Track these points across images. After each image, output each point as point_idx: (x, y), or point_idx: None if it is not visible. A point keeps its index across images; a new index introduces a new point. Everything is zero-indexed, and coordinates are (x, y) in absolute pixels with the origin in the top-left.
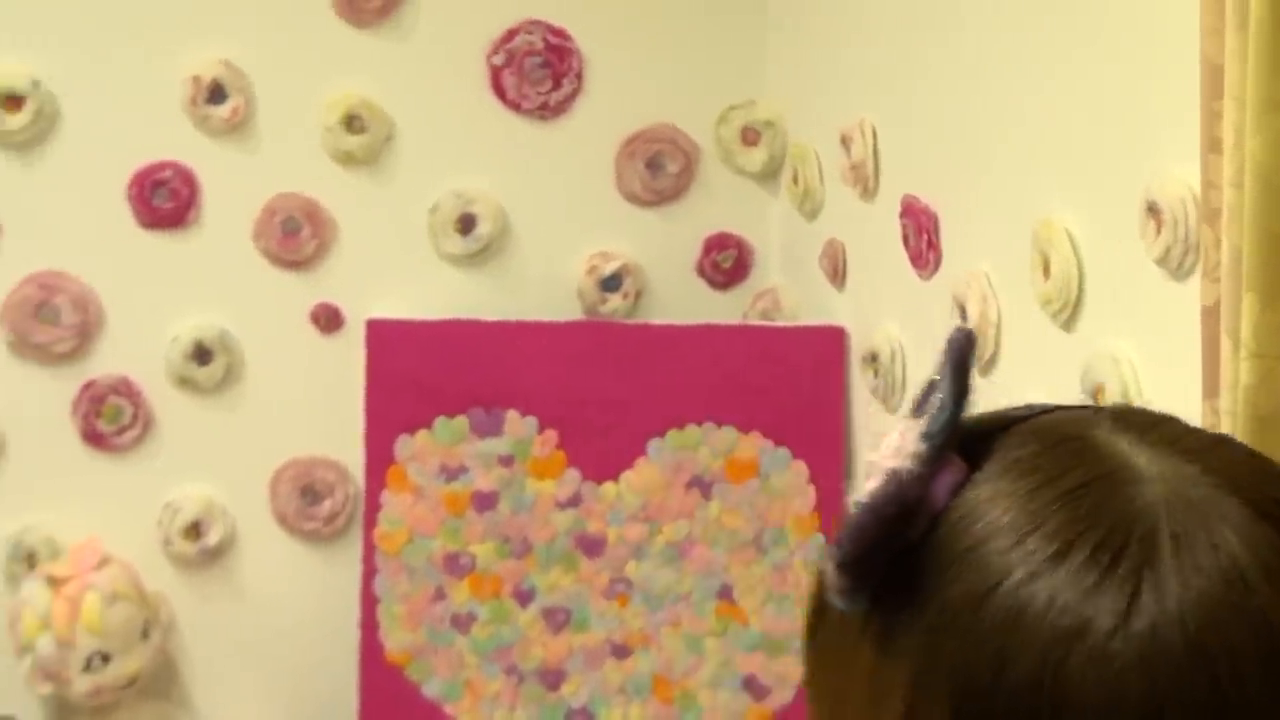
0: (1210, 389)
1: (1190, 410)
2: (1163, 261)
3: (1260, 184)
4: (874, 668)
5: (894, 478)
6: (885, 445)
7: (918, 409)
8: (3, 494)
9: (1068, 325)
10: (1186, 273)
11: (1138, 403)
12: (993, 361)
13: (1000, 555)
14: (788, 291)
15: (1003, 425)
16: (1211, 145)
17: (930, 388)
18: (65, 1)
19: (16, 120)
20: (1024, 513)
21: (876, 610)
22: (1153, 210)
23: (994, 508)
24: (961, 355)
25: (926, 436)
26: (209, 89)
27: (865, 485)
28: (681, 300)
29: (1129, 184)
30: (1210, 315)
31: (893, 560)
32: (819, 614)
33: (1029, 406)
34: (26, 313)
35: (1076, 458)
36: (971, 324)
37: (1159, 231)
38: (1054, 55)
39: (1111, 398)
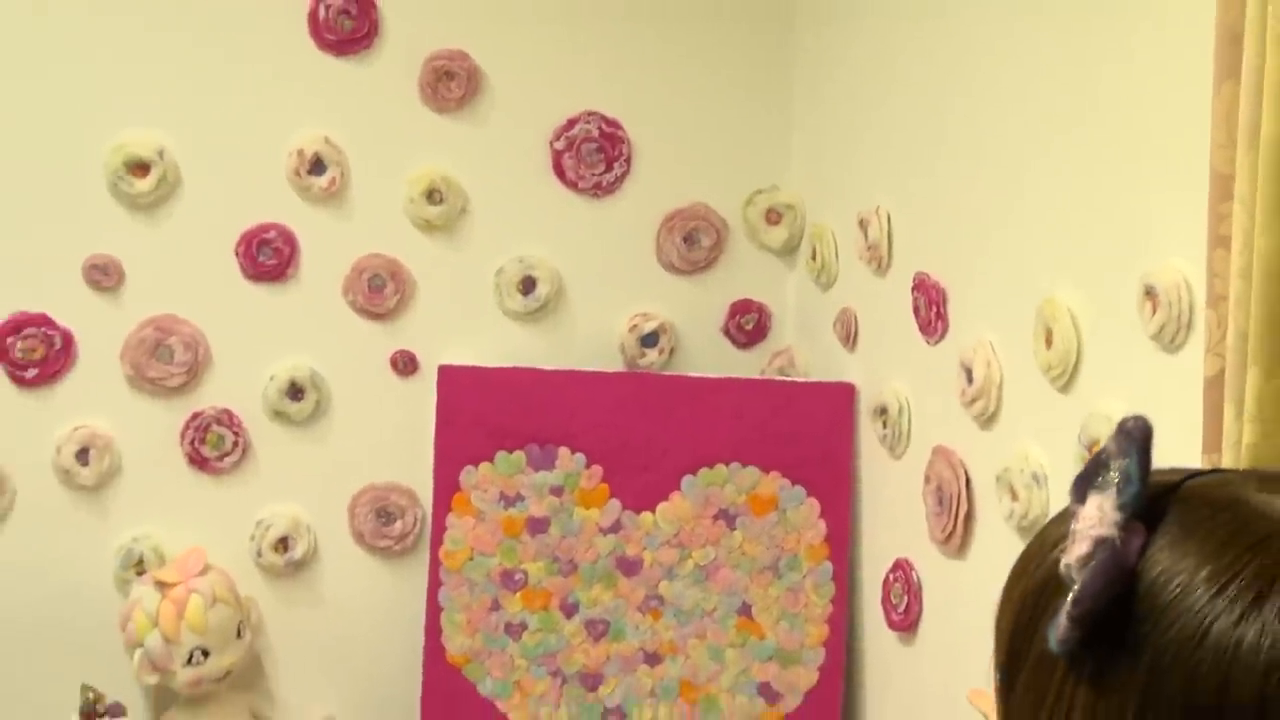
0: (1211, 445)
1: (1187, 463)
2: (1157, 336)
3: (1267, 276)
4: (1090, 704)
5: (1109, 544)
6: (1085, 517)
7: (1092, 479)
8: (117, 509)
9: (1066, 389)
10: (1179, 347)
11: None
12: (994, 418)
13: (1208, 602)
14: (801, 351)
15: (1162, 491)
16: (1217, 242)
17: (1101, 462)
18: (188, 81)
19: (143, 184)
20: (1218, 566)
21: (1089, 655)
22: (1150, 293)
23: (1186, 563)
24: (1145, 439)
25: (1121, 508)
26: (311, 161)
27: (1074, 550)
28: (709, 356)
29: (1128, 270)
30: (1213, 385)
31: (1105, 612)
32: (1015, 663)
33: (1172, 470)
34: (144, 351)
35: (1247, 518)
36: (976, 385)
37: (1155, 311)
38: (1062, 154)
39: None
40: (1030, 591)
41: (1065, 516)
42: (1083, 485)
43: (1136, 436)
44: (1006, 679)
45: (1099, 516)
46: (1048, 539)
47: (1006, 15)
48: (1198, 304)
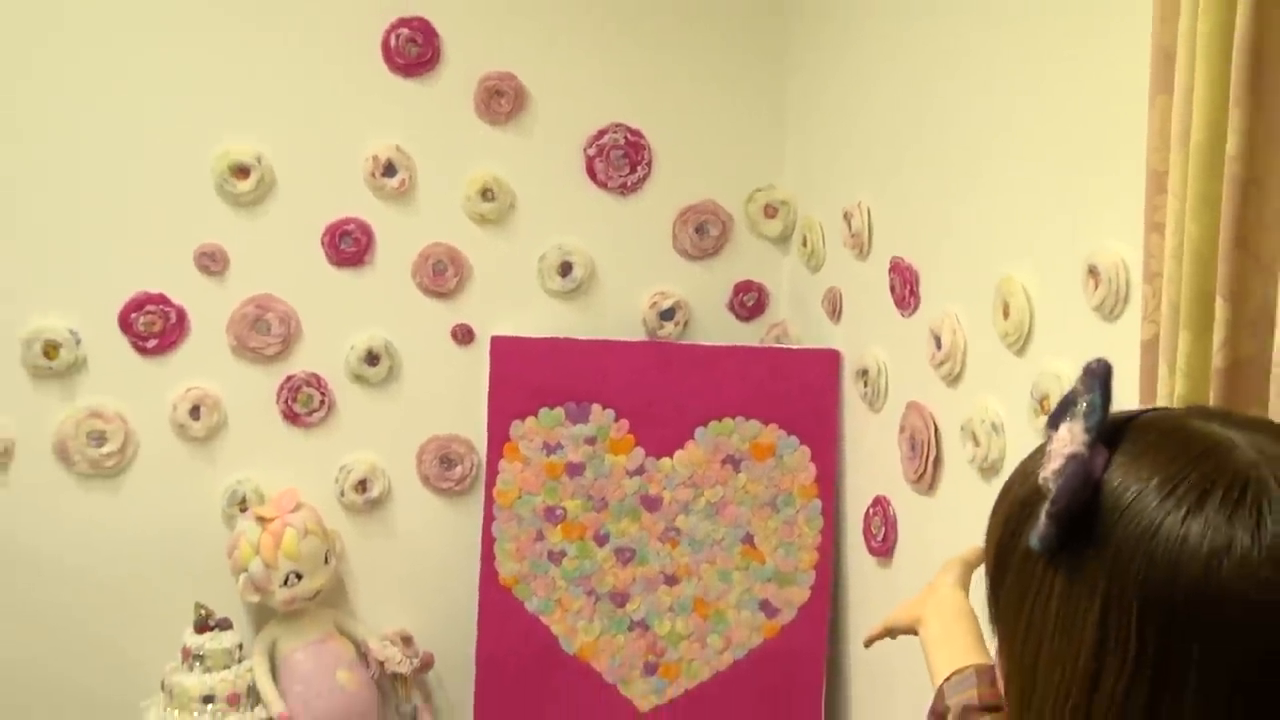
0: (1147, 398)
1: None
2: (1099, 308)
3: (1195, 257)
4: (1066, 591)
5: (1079, 458)
6: (1058, 439)
7: (1064, 414)
8: (223, 457)
9: (1020, 352)
10: (1117, 316)
11: None
12: (959, 377)
13: (1160, 502)
14: (794, 323)
15: (1119, 424)
16: (1152, 228)
17: (1070, 400)
18: (282, 99)
19: (244, 185)
20: (1167, 474)
21: (1064, 549)
22: (1093, 271)
23: (1140, 473)
24: (1106, 377)
25: (1088, 430)
26: (384, 166)
27: (1050, 465)
28: (716, 327)
29: (1074, 252)
30: (1149, 347)
31: (1076, 513)
32: (1003, 565)
33: (1125, 411)
34: (246, 325)
35: (1189, 439)
36: (944, 350)
37: (1097, 286)
38: (1017, 155)
39: (1054, 405)
40: (1014, 505)
41: (1040, 451)
42: (1056, 418)
43: (1099, 374)
44: (995, 582)
45: (1070, 438)
46: (1026, 468)
47: (969, 39)
48: (1133, 281)
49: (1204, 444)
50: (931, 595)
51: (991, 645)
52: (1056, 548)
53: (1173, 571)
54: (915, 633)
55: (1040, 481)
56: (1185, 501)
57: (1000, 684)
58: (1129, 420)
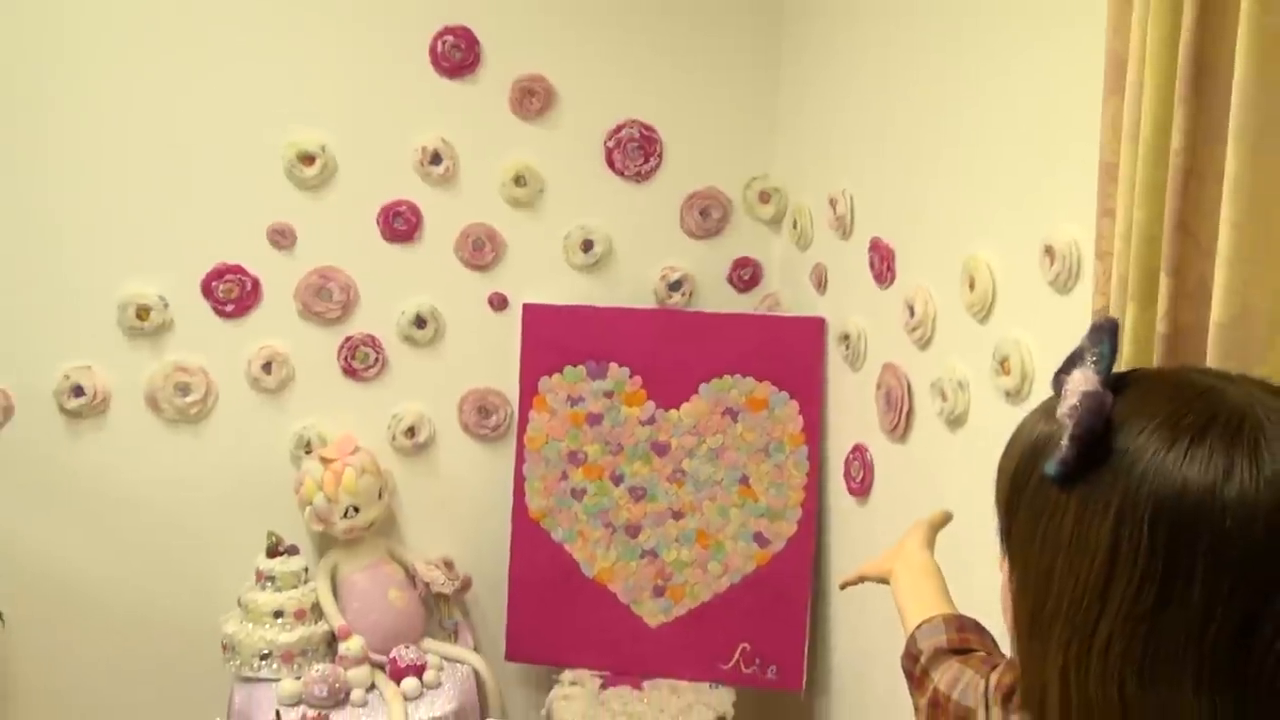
0: None
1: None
2: (1053, 283)
3: (1142, 238)
4: (1080, 510)
5: (1094, 394)
6: (1072, 381)
7: (1072, 367)
8: (292, 406)
9: (984, 321)
10: (1069, 290)
11: (1029, 368)
12: (929, 342)
13: (1167, 432)
14: (785, 295)
15: (1120, 376)
16: (1104, 212)
17: (1077, 355)
18: (343, 96)
19: (310, 171)
20: (1170, 410)
21: (1079, 474)
22: (1049, 250)
23: (1146, 409)
24: (1114, 331)
25: (1100, 372)
26: (431, 155)
27: (1067, 401)
28: (718, 297)
29: (1032, 233)
30: (1100, 316)
31: (1092, 440)
32: (1017, 497)
33: (1126, 370)
34: (311, 292)
35: (1186, 384)
36: (916, 318)
37: (1052, 263)
38: (983, 148)
39: (1014, 367)
40: (1027, 444)
41: (1045, 405)
42: (1063, 372)
43: (1108, 329)
44: (1009, 514)
45: (1083, 379)
46: (1038, 410)
47: (940, 46)
48: (1085, 258)
49: (1200, 387)
50: (900, 553)
51: (1000, 582)
52: (1073, 471)
53: (1181, 487)
54: (885, 582)
55: (1058, 415)
56: (1189, 431)
57: (1006, 613)
58: (1129, 373)
